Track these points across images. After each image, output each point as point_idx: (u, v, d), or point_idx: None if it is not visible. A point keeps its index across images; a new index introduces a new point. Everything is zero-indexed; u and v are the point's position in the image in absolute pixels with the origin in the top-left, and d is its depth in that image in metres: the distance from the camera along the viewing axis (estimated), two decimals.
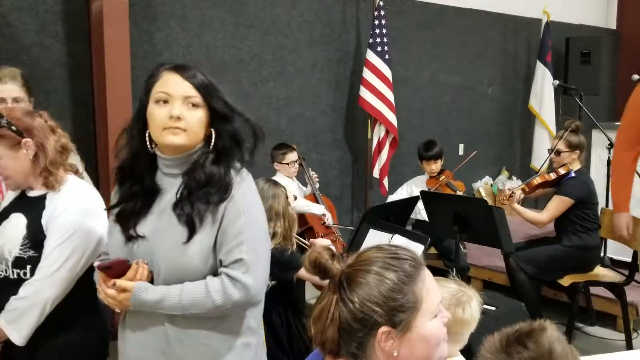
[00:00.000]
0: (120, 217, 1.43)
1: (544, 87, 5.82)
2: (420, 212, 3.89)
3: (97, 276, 1.42)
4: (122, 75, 3.26)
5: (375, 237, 2.57)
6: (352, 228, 4.41)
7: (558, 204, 3.36)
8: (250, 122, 1.44)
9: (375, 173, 4.72)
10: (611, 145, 3.93)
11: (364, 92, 4.55)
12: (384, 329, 1.07)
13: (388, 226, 2.62)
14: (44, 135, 1.68)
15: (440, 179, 3.99)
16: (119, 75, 3.25)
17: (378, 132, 4.67)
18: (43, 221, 1.65)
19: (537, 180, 3.50)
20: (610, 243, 3.87)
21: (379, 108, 4.56)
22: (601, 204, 3.93)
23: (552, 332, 1.03)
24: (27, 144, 1.65)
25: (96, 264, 1.41)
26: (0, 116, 1.64)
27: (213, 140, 1.41)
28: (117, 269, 1.36)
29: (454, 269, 2.94)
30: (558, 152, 3.43)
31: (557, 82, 4.68)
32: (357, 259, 1.13)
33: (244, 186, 1.42)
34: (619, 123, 3.30)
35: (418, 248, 2.27)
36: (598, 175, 4.15)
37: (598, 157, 4.18)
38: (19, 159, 1.65)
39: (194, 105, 1.38)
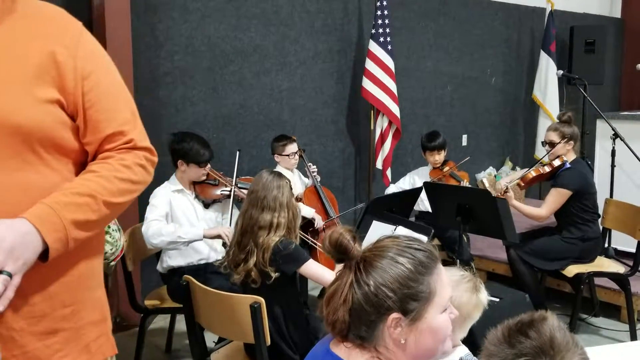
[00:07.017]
0: None
1: (547, 76, 5.79)
2: (422, 202, 3.88)
3: None
4: (124, 68, 3.25)
5: (378, 229, 2.56)
6: (354, 210, 4.46)
7: (556, 197, 3.34)
8: None
9: (378, 164, 4.71)
10: (615, 135, 3.90)
11: (367, 83, 4.53)
12: (394, 315, 1.10)
13: (391, 218, 2.61)
14: None
15: (444, 170, 3.98)
16: (121, 67, 3.21)
17: (381, 123, 4.66)
18: None
19: (531, 174, 3.47)
20: (615, 234, 3.86)
21: (381, 99, 4.54)
22: (606, 194, 3.91)
23: (552, 321, 1.05)
24: None
25: None
26: None
27: None
28: None
29: (458, 260, 2.93)
30: (552, 144, 3.42)
31: (561, 71, 4.64)
32: (375, 245, 1.16)
33: None
34: (623, 113, 3.27)
35: (422, 239, 2.26)
36: (602, 165, 4.13)
37: (602, 148, 4.15)
38: None
39: None
